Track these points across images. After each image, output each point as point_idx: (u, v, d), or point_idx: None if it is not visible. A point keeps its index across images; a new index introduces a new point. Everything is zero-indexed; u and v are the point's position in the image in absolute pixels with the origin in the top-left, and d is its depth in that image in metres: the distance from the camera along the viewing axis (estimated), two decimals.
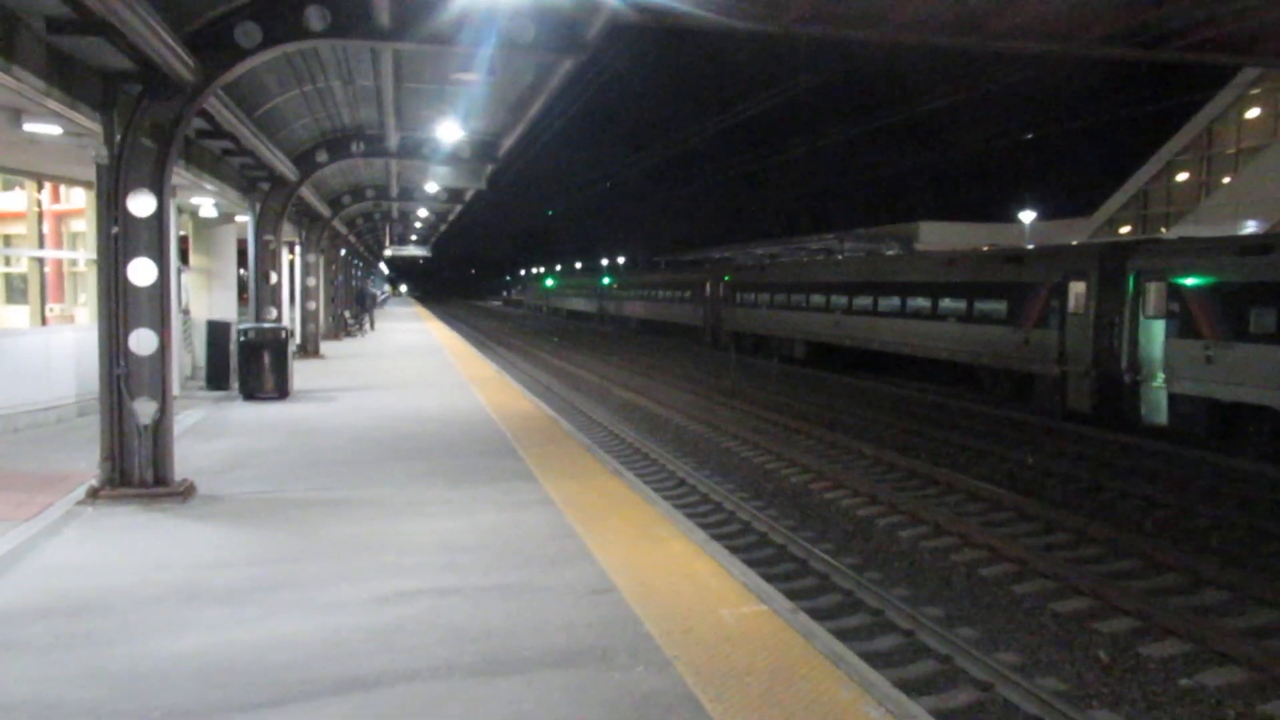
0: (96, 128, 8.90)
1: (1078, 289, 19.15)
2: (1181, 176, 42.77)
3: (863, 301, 28.26)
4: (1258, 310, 15.07)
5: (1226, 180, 39.50)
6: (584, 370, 32.20)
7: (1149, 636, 8.37)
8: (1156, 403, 17.11)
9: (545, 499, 8.78)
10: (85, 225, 15.12)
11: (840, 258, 39.16)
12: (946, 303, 23.86)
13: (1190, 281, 16.34)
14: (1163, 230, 40.25)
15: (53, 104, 8.22)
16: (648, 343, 46.95)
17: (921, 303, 25.01)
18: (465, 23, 8.81)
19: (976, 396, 23.05)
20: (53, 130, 9.54)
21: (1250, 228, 32.84)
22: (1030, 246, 29.82)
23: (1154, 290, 17.20)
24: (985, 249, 30.43)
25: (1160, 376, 16.94)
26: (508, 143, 16.83)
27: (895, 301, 26.41)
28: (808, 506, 13.11)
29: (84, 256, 15.92)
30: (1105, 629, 8.52)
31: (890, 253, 40.01)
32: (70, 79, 8.43)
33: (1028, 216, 43.69)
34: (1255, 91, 38.43)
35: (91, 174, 13.33)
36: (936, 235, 47.18)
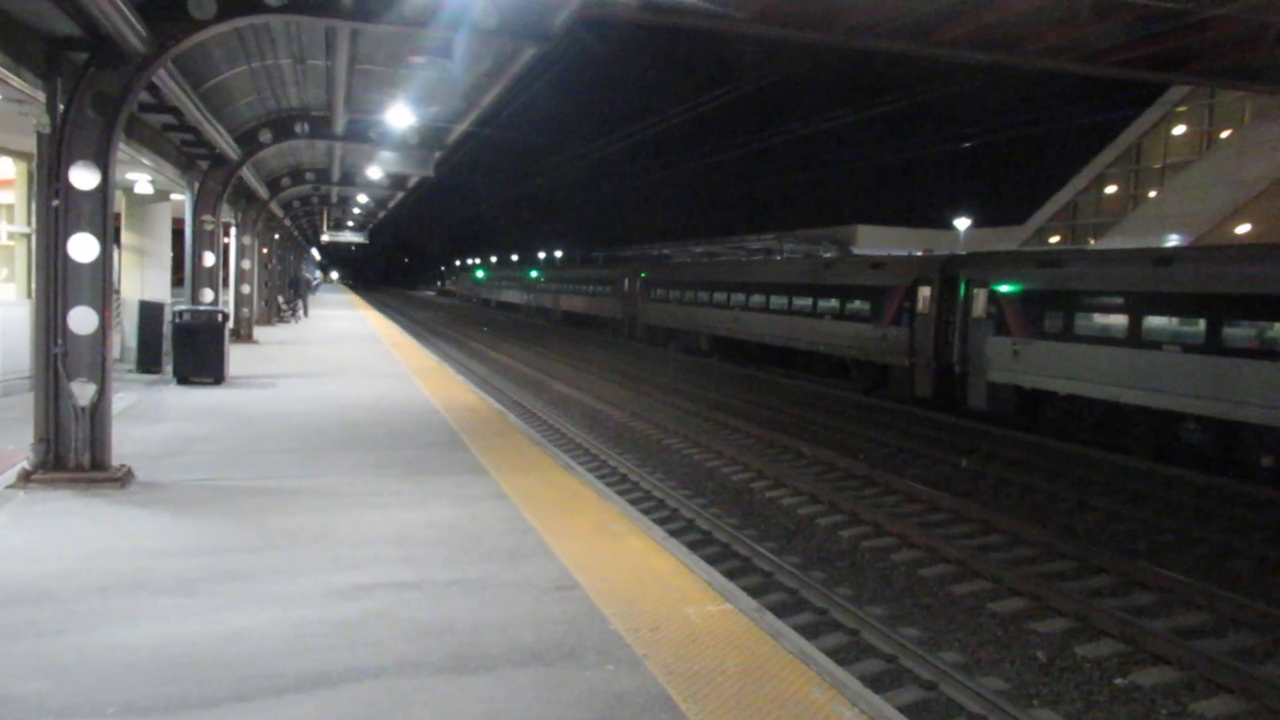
0: (39, 95, 8.52)
1: (924, 293, 22.12)
2: (1110, 189, 44.08)
3: (757, 300, 30.96)
4: (1050, 313, 18.37)
5: (1153, 194, 40.82)
6: (520, 363, 32.02)
7: (1084, 637, 8.63)
8: (979, 390, 20.08)
9: (499, 493, 8.68)
10: (14, 197, 14.51)
11: (741, 259, 42.38)
12: (824, 303, 26.85)
13: (1004, 289, 19.54)
14: (1090, 240, 41.49)
15: None
16: (581, 336, 47.03)
17: (804, 302, 27.99)
18: (430, 5, 8.65)
19: (846, 385, 25.76)
20: None
21: (1173, 241, 34.02)
22: (890, 254, 32.62)
23: (978, 295, 20.21)
24: (854, 255, 33.22)
25: (981, 367, 19.94)
26: (459, 130, 16.59)
27: (784, 300, 29.22)
28: (749, 505, 13.22)
29: (7, 229, 15.29)
30: (1042, 629, 8.76)
31: (798, 255, 41.85)
32: (12, 42, 8.06)
33: (963, 223, 44.58)
34: (1182, 109, 39.77)
35: (23, 143, 12.87)
36: (873, 238, 47.89)
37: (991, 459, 16.41)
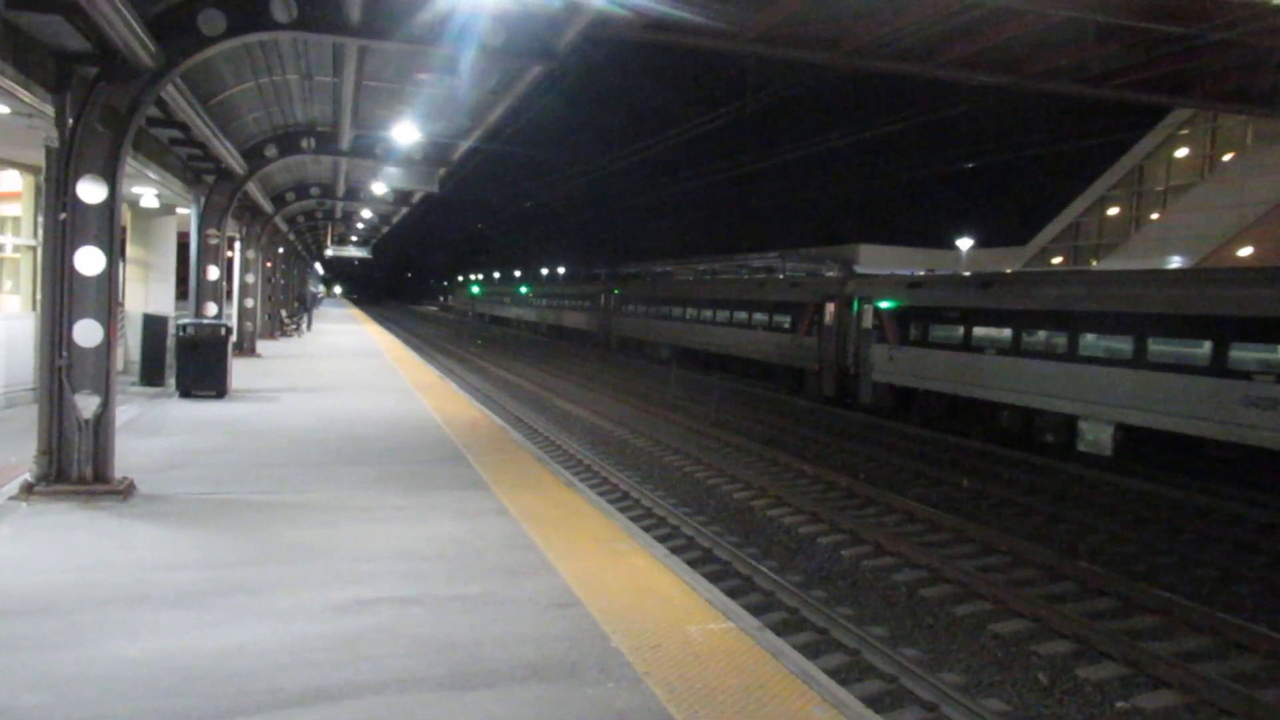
0: (48, 109, 8.58)
1: (830, 308, 26.02)
2: (1113, 211, 44.06)
3: (706, 313, 35.10)
4: (913, 325, 22.31)
5: (1155, 216, 40.83)
6: (521, 379, 32.06)
7: (1086, 659, 8.60)
8: (866, 389, 23.97)
9: (501, 509, 8.68)
10: (20, 210, 14.57)
11: (691, 278, 46.17)
12: (757, 316, 30.97)
13: (884, 305, 23.39)
14: (1093, 262, 41.52)
15: (4, 82, 7.90)
16: (576, 352, 47.35)
17: (742, 315, 32.21)
18: (438, 24, 8.71)
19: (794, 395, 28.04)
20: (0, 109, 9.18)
21: (1175, 263, 34.04)
22: (807, 275, 35.86)
23: (866, 310, 24.20)
24: (780, 276, 36.10)
25: (867, 370, 23.88)
26: (464, 146, 16.66)
27: (726, 314, 33.40)
28: (750, 523, 13.19)
29: (12, 241, 15.35)
30: (1044, 651, 8.72)
31: (741, 275, 43.92)
32: (23, 56, 8.12)
33: (965, 243, 44.63)
34: (1184, 132, 39.79)
35: (30, 156, 12.93)
36: (876, 258, 47.92)
37: (993, 479, 16.39)
